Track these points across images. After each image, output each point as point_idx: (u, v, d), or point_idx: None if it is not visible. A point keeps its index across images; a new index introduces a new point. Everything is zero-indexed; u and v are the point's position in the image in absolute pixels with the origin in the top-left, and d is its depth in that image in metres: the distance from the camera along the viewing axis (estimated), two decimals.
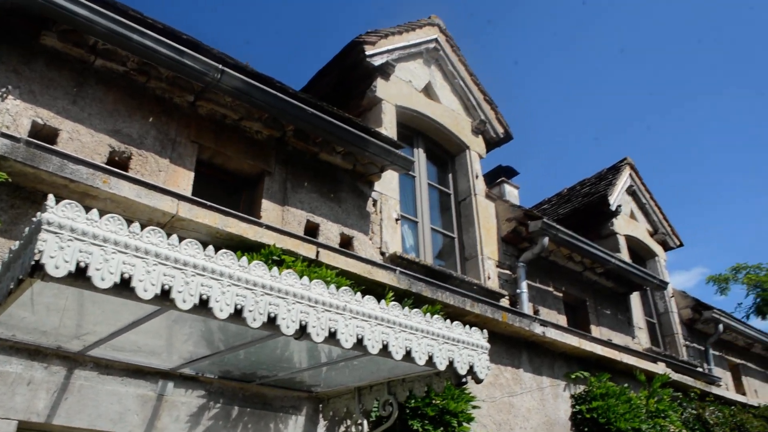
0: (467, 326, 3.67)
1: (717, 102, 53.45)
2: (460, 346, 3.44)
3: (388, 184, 6.37)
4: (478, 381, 3.58)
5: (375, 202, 6.18)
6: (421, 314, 3.34)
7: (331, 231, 5.62)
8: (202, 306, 2.56)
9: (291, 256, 4.65)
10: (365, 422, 4.48)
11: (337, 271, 4.79)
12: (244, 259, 2.72)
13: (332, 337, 2.91)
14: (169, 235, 2.54)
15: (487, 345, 3.65)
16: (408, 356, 3.21)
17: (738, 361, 11.85)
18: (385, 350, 3.11)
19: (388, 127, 6.71)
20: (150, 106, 4.88)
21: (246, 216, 4.63)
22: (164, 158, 4.79)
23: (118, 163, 4.54)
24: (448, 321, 3.50)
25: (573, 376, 7.15)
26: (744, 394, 11.38)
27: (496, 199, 7.67)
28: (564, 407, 6.94)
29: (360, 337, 3.00)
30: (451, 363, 3.40)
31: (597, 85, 56.56)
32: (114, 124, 4.61)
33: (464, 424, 5.20)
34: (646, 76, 54.61)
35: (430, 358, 3.30)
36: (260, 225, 4.67)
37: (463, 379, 3.60)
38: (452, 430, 5.12)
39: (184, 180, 4.84)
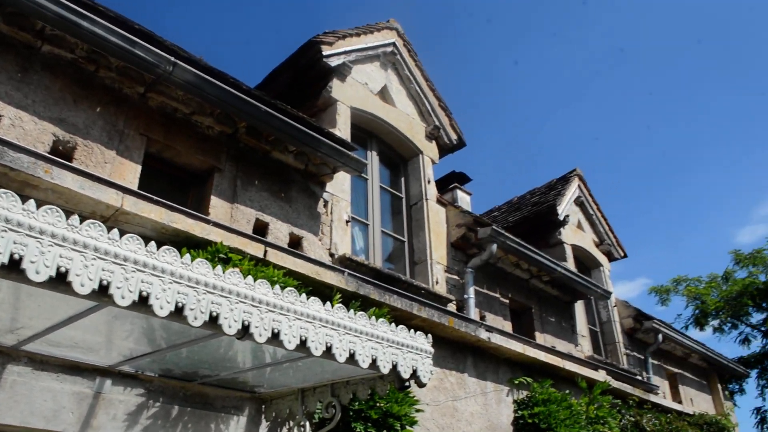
0: (413, 330, 3.69)
1: (663, 117, 55.09)
2: (404, 350, 3.45)
3: (340, 185, 6.35)
4: (421, 385, 3.60)
5: (326, 203, 6.16)
6: (365, 317, 3.34)
7: (280, 230, 5.58)
8: (142, 303, 2.51)
9: (238, 255, 4.59)
10: (308, 424, 4.45)
11: (284, 271, 4.75)
12: (187, 256, 2.68)
13: (275, 338, 2.89)
14: (111, 229, 2.48)
15: (431, 349, 3.67)
16: (352, 359, 3.20)
17: (676, 370, 12.22)
18: (328, 352, 3.10)
19: (342, 129, 6.70)
20: (98, 96, 4.76)
21: (193, 212, 4.55)
22: (111, 150, 4.67)
23: (62, 153, 4.41)
24: (393, 325, 3.51)
25: (516, 382, 7.26)
26: (680, 402, 11.75)
27: (447, 204, 7.74)
28: (507, 412, 7.03)
29: (303, 338, 2.98)
30: (394, 366, 3.41)
31: (553, 96, 57.66)
32: (59, 113, 4.48)
33: (407, 427, 5.21)
34: (600, 87, 55.97)
35: (374, 361, 3.30)
36: (208, 222, 4.60)
37: (406, 383, 3.61)
38: None
39: (130, 173, 4.73)
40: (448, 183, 10.66)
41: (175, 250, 2.63)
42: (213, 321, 2.70)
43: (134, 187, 4.60)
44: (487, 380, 6.91)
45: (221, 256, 4.50)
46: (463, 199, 10.32)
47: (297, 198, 5.89)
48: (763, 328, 26.12)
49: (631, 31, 50.92)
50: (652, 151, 58.28)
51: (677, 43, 50.94)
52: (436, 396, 6.18)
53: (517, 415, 7.08)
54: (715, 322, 26.59)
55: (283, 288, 3.05)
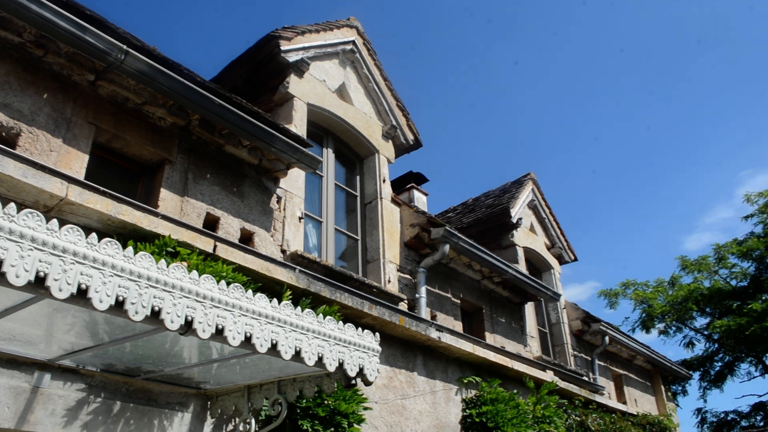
0: (360, 328, 3.69)
1: (619, 124, 56.34)
2: (351, 348, 3.45)
3: (294, 181, 6.31)
4: (368, 383, 3.60)
5: (279, 199, 6.11)
6: (313, 314, 3.33)
7: (231, 225, 5.51)
8: (81, 296, 2.44)
9: (187, 249, 4.51)
10: (253, 421, 4.41)
11: (234, 267, 4.70)
12: (130, 248, 2.62)
13: (219, 334, 2.85)
14: (56, 219, 2.42)
15: (378, 348, 3.68)
16: (297, 356, 3.19)
17: (621, 371, 12.51)
18: (274, 349, 3.07)
19: (298, 125, 6.66)
20: (46, 82, 4.62)
21: (141, 204, 4.45)
22: (57, 138, 4.55)
23: (5, 139, 4.27)
24: (340, 323, 3.50)
25: (465, 381, 7.32)
26: (625, 403, 12.04)
27: (401, 204, 7.76)
28: (455, 411, 7.08)
29: (248, 335, 2.95)
30: (341, 364, 3.40)
31: (514, 101, 58.40)
32: (4, 98, 4.34)
33: (355, 425, 5.22)
34: (557, 93, 56.85)
35: (320, 358, 3.29)
36: (156, 215, 4.51)
37: (353, 381, 3.61)
38: (343, 431, 5.13)
39: (77, 162, 4.61)
40: (405, 183, 10.71)
41: (116, 242, 2.57)
42: (155, 316, 2.65)
43: (81, 177, 4.49)
44: (437, 379, 6.96)
45: (169, 249, 4.42)
46: (420, 200, 10.38)
47: (250, 193, 5.83)
48: (706, 332, 26.95)
49: (594, 40, 52.00)
50: (604, 158, 59.61)
51: (624, 51, 52.16)
52: (385, 394, 6.20)
53: (465, 413, 7.15)
54: (661, 326, 27.35)
55: (230, 284, 3.02)
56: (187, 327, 2.77)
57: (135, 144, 5.11)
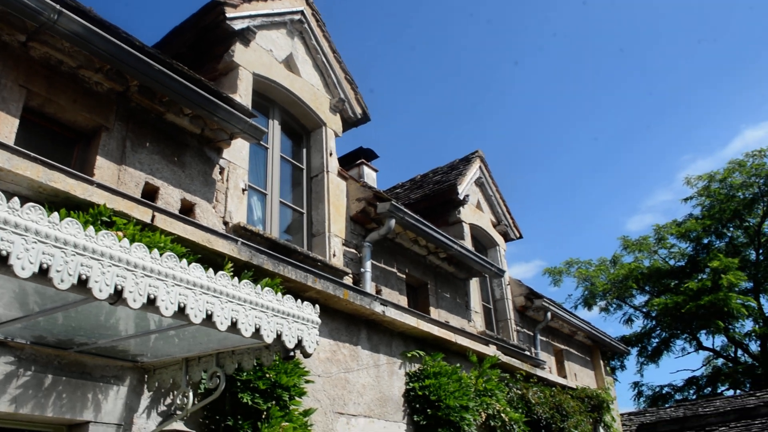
0: (304, 302, 3.66)
1: (568, 107, 57.31)
2: (290, 320, 3.41)
3: (237, 152, 6.19)
4: (306, 355, 3.58)
5: (222, 170, 5.99)
6: (251, 285, 3.27)
7: (171, 196, 5.38)
8: (2, 263, 2.33)
9: (124, 219, 4.38)
10: (191, 394, 4.34)
11: (173, 238, 4.59)
12: (56, 214, 2.51)
13: (151, 304, 2.77)
14: None
15: (318, 320, 3.65)
16: (234, 327, 3.13)
17: (562, 347, 12.83)
18: (209, 320, 3.01)
19: (243, 95, 6.52)
20: None
21: (74, 171, 4.29)
22: None
23: None
24: (279, 294, 3.46)
25: (409, 355, 7.38)
26: (565, 377, 12.36)
27: (348, 178, 7.71)
28: (398, 384, 7.14)
29: (182, 305, 2.88)
30: (279, 336, 3.36)
31: (463, 78, 58.61)
32: None
33: (296, 398, 5.21)
34: (516, 74, 57.33)
35: (257, 330, 3.24)
36: (91, 183, 4.36)
37: (291, 353, 3.58)
38: (284, 404, 5.11)
39: (6, 127, 4.41)
40: (355, 158, 10.65)
41: (41, 207, 2.46)
42: (82, 284, 2.56)
43: (10, 142, 4.29)
44: (381, 353, 6.99)
45: (104, 219, 4.28)
46: (369, 176, 10.34)
47: (191, 163, 5.69)
48: (644, 310, 27.91)
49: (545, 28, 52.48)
50: (553, 140, 60.60)
51: (558, 35, 52.91)
52: (329, 368, 6.19)
53: (408, 387, 7.21)
54: (602, 303, 28.21)
55: (164, 253, 2.93)
56: (117, 296, 2.68)
57: (70, 109, 4.92)
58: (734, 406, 14.72)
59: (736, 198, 25.64)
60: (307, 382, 5.37)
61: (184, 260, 2.99)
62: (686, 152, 56.30)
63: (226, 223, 5.81)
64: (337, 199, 7.40)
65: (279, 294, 3.48)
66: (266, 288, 3.39)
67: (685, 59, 51.88)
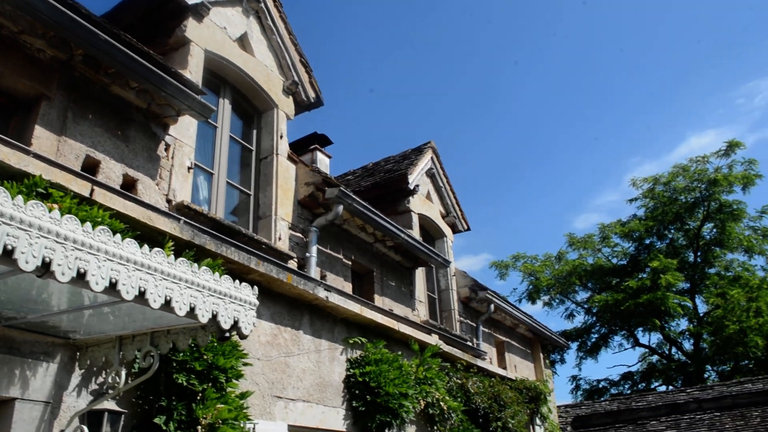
0: (247, 284, 3.62)
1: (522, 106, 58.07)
2: (227, 300, 3.38)
3: (185, 130, 6.07)
4: (243, 336, 3.55)
5: (168, 146, 5.86)
6: (187, 264, 3.22)
7: (113, 170, 5.24)
8: None
9: (61, 191, 4.25)
10: (124, 373, 4.25)
11: (112, 213, 4.47)
12: None
13: (81, 278, 2.70)
14: None
15: (255, 301, 3.62)
16: (168, 305, 3.08)
17: (504, 338, 13.05)
18: (141, 297, 2.95)
19: (194, 71, 6.39)
20: None
21: (8, 140, 4.14)
22: None
23: None
24: (216, 274, 3.41)
25: (351, 341, 7.39)
26: (505, 368, 12.59)
27: (297, 162, 7.65)
28: (339, 370, 7.15)
29: (114, 280, 2.82)
30: (214, 316, 3.32)
31: (421, 71, 58.76)
32: None
33: (233, 380, 5.16)
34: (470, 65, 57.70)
35: (192, 309, 3.20)
36: (27, 152, 4.21)
37: (227, 334, 3.54)
38: (220, 386, 5.06)
39: None
40: (309, 144, 10.57)
41: None
42: (8, 255, 2.47)
43: None
44: (323, 338, 6.98)
45: (40, 190, 4.14)
46: (323, 162, 10.28)
47: (136, 138, 5.55)
48: (586, 306, 28.61)
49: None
50: (506, 137, 61.35)
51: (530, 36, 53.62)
52: (269, 351, 6.16)
53: (349, 373, 7.23)
54: (546, 298, 28.81)
55: (97, 227, 2.86)
56: (45, 269, 2.60)
57: (9, 76, 4.73)
58: (665, 402, 15.27)
59: (679, 201, 26.45)
60: (246, 364, 5.33)
61: (118, 235, 2.91)
62: (634, 155, 57.79)
63: (169, 201, 5.70)
64: (286, 183, 7.34)
65: (217, 274, 3.44)
66: (203, 267, 3.35)
67: (641, 70, 53.16)
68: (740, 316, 21.94)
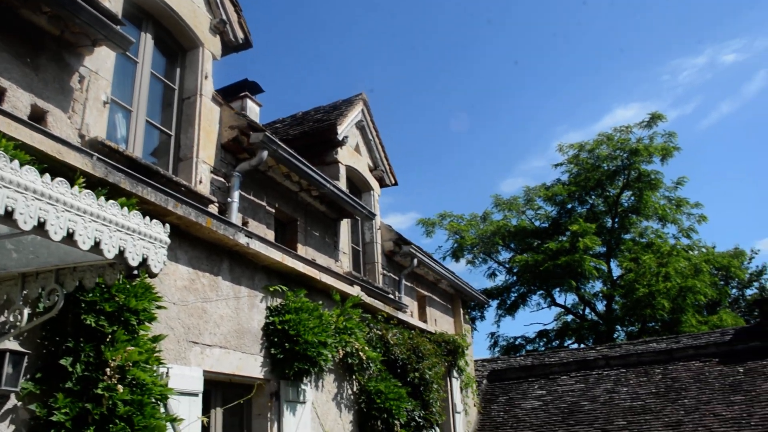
0: (168, 227, 3.49)
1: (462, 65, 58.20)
2: (135, 237, 3.25)
3: (102, 62, 5.75)
4: (152, 275, 3.45)
5: (83, 78, 5.55)
6: (92, 196, 3.07)
7: (20, 100, 4.93)
8: None
9: None
10: (26, 311, 4.07)
11: (17, 144, 4.22)
12: None
13: None
14: None
15: (167, 239, 3.51)
16: (70, 238, 2.94)
17: (426, 293, 13.29)
18: (41, 228, 2.80)
19: (114, 1, 6.03)
20: None
21: None
22: None
23: None
24: (125, 209, 3.28)
25: (272, 289, 7.33)
26: (426, 322, 12.84)
27: (222, 104, 7.41)
28: (258, 317, 7.10)
29: (10, 209, 2.65)
30: (122, 252, 3.20)
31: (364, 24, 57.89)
32: None
33: (146, 323, 5.04)
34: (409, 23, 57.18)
35: (97, 243, 3.06)
36: None
37: (135, 272, 3.42)
38: (132, 329, 4.93)
39: None
40: (239, 91, 10.24)
41: None
42: None
43: None
44: (242, 285, 6.89)
45: None
46: (252, 110, 10.00)
47: (47, 67, 5.23)
48: (507, 266, 29.43)
49: None
50: (440, 97, 61.55)
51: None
52: (185, 296, 6.03)
53: (268, 321, 7.20)
54: (470, 256, 29.45)
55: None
56: None
57: None
58: (576, 358, 15.96)
59: (601, 169, 27.30)
60: (160, 308, 5.21)
61: (16, 161, 2.74)
62: (562, 123, 59.16)
63: (82, 136, 5.42)
64: (209, 125, 7.11)
65: (126, 209, 3.30)
66: (111, 202, 3.20)
67: (572, 41, 53.98)
68: (650, 280, 23.04)
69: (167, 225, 3.58)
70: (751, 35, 50.89)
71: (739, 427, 11.79)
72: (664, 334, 21.15)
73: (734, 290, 32.83)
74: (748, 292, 33.55)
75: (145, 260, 3.33)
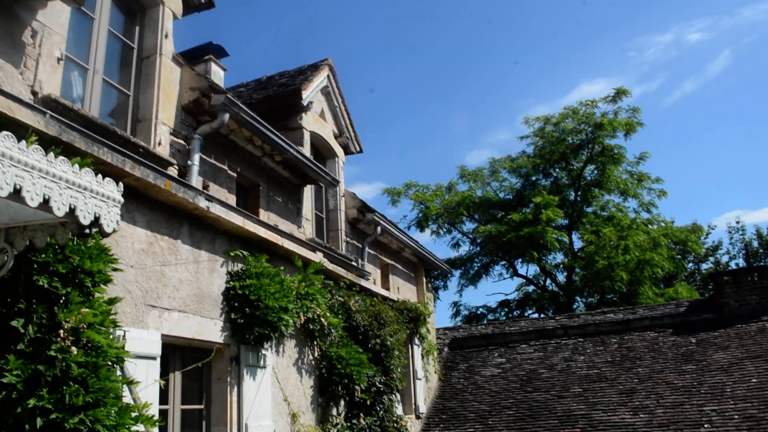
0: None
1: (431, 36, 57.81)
2: (87, 194, 3.18)
3: (55, 17, 5.55)
4: (105, 234, 3.38)
5: (35, 33, 5.36)
6: (41, 152, 2.98)
7: None
8: None
9: None
10: None
11: None
12: None
13: None
14: None
15: (120, 198, 3.44)
16: (18, 195, 2.85)
17: (389, 261, 13.34)
18: None
19: None
20: None
21: None
22: None
23: None
24: (76, 166, 3.19)
25: (233, 254, 7.27)
26: (389, 289, 12.92)
27: (183, 65, 7.24)
28: (219, 282, 7.05)
29: None
30: (72, 210, 3.12)
31: None
32: None
33: (101, 285, 4.95)
34: None
35: (47, 201, 2.99)
36: None
37: (87, 230, 3.35)
38: (87, 291, 4.84)
39: None
40: (203, 54, 10.00)
41: None
42: None
43: None
44: (202, 249, 6.82)
45: None
46: (217, 74, 9.79)
47: None
48: (471, 236, 29.70)
49: None
50: (408, 70, 61.17)
51: None
52: (144, 259, 5.95)
53: (229, 285, 7.15)
54: (434, 226, 29.62)
55: None
56: None
57: None
58: (536, 327, 16.27)
59: (566, 142, 27.55)
60: (116, 270, 5.11)
61: None
62: (529, 97, 59.45)
63: (35, 93, 5.26)
64: (169, 85, 6.95)
65: (77, 166, 3.22)
66: (61, 158, 3.12)
67: (538, 17, 54.00)
68: (610, 252, 23.48)
69: (121, 184, 3.50)
70: (716, 15, 51.64)
71: (690, 395, 12.19)
72: (622, 306, 21.68)
73: (690, 264, 33.78)
74: (704, 266, 34.57)
75: (97, 219, 3.26)
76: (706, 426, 11.15)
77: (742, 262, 34.30)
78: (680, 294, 23.38)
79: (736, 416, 11.23)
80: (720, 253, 35.53)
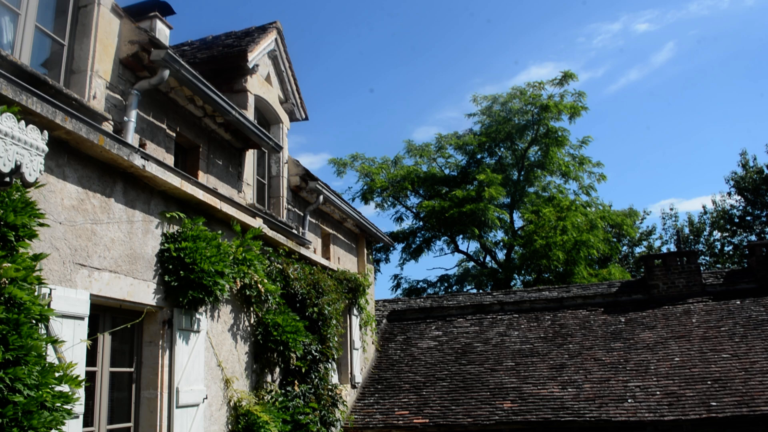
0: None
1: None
2: (7, 141, 3.03)
3: None
4: (27, 184, 3.24)
5: None
6: None
7: None
8: None
9: None
10: None
11: None
12: None
13: None
14: None
15: (44, 147, 3.29)
16: None
17: (331, 231, 13.29)
18: None
19: None
20: None
21: None
22: None
23: None
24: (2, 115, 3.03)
25: (169, 216, 7.11)
26: (329, 259, 12.89)
27: (123, 16, 6.94)
28: (153, 244, 6.89)
29: None
30: None
31: None
32: None
33: (25, 240, 4.76)
34: None
35: None
36: None
37: (7, 179, 3.20)
38: (10, 245, 4.65)
39: None
40: (148, 10, 9.59)
41: None
42: None
43: None
44: (137, 209, 6.64)
45: None
46: (162, 32, 9.42)
47: None
48: (414, 211, 29.88)
49: None
50: (361, 41, 60.65)
51: None
52: (73, 216, 5.74)
53: (163, 247, 7.00)
54: (379, 200, 29.65)
55: None
56: None
57: None
58: (473, 302, 16.55)
59: (512, 122, 27.88)
60: (42, 225, 4.92)
61: None
62: (478, 76, 59.78)
63: None
64: (107, 37, 6.66)
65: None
66: None
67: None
68: (548, 232, 23.99)
69: (46, 132, 3.34)
70: (664, 7, 52.79)
71: (616, 371, 12.66)
72: (557, 284, 22.24)
73: (625, 247, 34.94)
74: (638, 249, 35.81)
75: (18, 167, 3.11)
76: (629, 401, 11.61)
77: (673, 248, 35.69)
78: (613, 275, 24.13)
79: (658, 392, 11.72)
80: (653, 238, 36.87)
